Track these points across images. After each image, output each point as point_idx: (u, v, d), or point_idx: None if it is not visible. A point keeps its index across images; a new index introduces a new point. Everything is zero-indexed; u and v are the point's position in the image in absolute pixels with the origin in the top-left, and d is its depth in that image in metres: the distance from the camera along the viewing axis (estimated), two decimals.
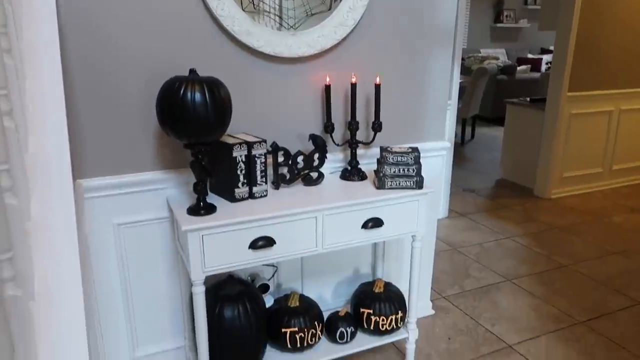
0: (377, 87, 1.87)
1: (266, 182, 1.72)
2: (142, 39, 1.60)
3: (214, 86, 1.47)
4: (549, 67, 7.92)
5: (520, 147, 4.42)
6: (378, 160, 1.83)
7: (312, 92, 1.89)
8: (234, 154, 1.63)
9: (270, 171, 1.79)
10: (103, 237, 1.71)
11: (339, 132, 1.98)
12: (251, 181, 1.69)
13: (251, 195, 1.70)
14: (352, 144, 1.91)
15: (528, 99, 4.46)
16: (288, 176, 1.81)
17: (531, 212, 3.82)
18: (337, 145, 1.95)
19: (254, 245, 1.59)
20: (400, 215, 1.80)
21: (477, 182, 4.53)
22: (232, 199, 1.67)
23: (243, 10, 1.69)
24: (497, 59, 7.92)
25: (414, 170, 1.78)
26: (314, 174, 1.86)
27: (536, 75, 7.48)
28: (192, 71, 1.51)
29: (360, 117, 1.98)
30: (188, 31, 1.65)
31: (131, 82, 1.63)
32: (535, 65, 8.01)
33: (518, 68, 7.40)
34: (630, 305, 2.54)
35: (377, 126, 1.90)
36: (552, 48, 8.76)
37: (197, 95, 1.43)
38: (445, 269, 2.90)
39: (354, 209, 1.72)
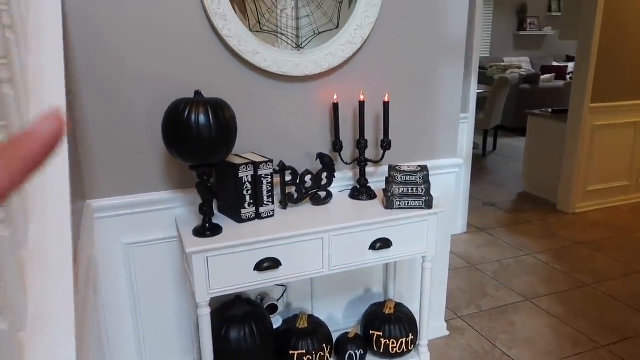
0: (386, 105, 1.85)
1: (273, 202, 1.71)
2: (151, 58, 1.62)
3: (218, 107, 1.47)
4: (572, 76, 7.76)
5: (542, 160, 4.32)
6: (386, 179, 1.80)
7: (320, 110, 1.88)
8: (240, 175, 1.62)
9: (278, 190, 1.78)
10: (112, 257, 1.73)
11: (348, 151, 1.96)
12: (257, 201, 1.68)
13: (258, 216, 1.69)
14: (361, 162, 1.89)
15: (550, 109, 4.36)
16: (296, 196, 1.80)
17: (553, 227, 3.71)
18: (346, 164, 1.93)
19: (260, 266, 1.58)
20: (409, 236, 1.77)
21: (498, 196, 4.44)
22: (239, 219, 1.66)
23: (250, 30, 1.70)
24: (521, 67, 7.79)
25: (422, 190, 1.75)
26: (322, 193, 1.84)
27: (561, 84, 7.32)
28: (197, 93, 1.52)
29: (369, 135, 1.96)
30: (195, 51, 1.66)
31: (140, 102, 1.64)
32: (560, 73, 7.85)
33: (541, 77, 7.26)
34: None
35: (386, 144, 1.88)
36: None
37: (201, 117, 1.43)
38: (462, 286, 2.84)
39: (362, 230, 1.69)
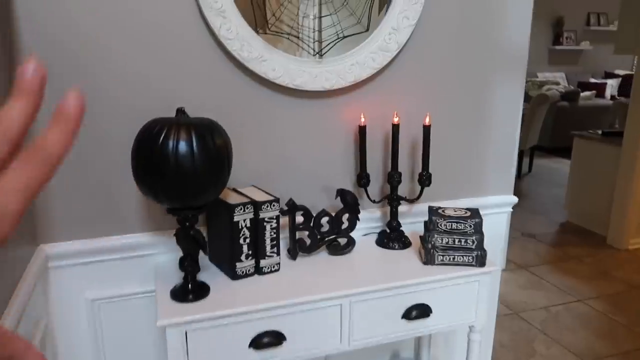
0: (426, 130, 1.45)
1: (278, 253, 1.32)
2: (127, 63, 1.26)
3: (206, 131, 1.09)
4: (619, 94, 7.25)
5: (590, 187, 3.84)
6: (425, 224, 1.40)
7: (343, 134, 1.49)
8: (236, 218, 1.24)
9: (286, 234, 1.39)
10: (73, 316, 1.36)
11: (376, 185, 1.56)
12: (258, 252, 1.29)
13: (258, 270, 1.30)
14: (392, 200, 1.49)
15: (600, 131, 3.89)
16: (308, 243, 1.41)
17: (605, 266, 3.24)
18: (374, 202, 1.53)
19: (257, 343, 1.19)
20: (454, 301, 1.36)
21: (538, 225, 3.97)
22: (233, 275, 1.28)
23: (256, 31, 1.33)
24: (558, 83, 7.29)
25: (473, 242, 1.34)
26: (342, 240, 1.45)
27: (602, 102, 6.81)
28: (180, 111, 1.14)
29: (403, 166, 1.56)
30: (184, 56, 1.30)
31: (114, 120, 1.28)
32: (600, 90, 7.32)
33: (582, 94, 6.75)
34: None
35: (425, 179, 1.48)
36: (618, 72, 8.03)
37: (182, 145, 1.06)
38: (504, 341, 2.40)
39: (393, 294, 1.29)
